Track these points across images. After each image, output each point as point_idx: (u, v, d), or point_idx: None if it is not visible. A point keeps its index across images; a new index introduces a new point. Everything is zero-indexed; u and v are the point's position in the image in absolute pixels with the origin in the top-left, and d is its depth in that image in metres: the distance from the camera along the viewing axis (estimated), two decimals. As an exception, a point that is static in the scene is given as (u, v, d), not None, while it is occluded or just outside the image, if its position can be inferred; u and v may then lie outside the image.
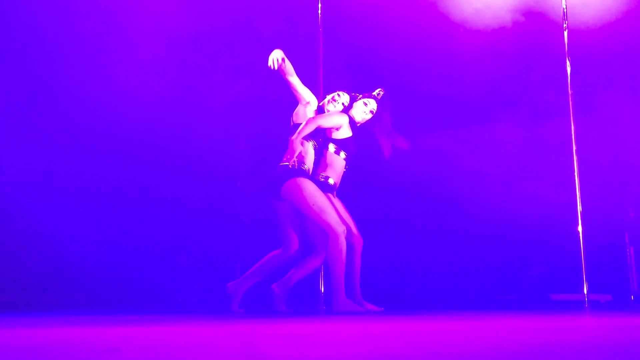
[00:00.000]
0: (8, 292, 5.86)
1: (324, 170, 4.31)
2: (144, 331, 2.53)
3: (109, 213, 6.32)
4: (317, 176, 4.28)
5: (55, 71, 6.06)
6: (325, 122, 4.16)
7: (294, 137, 4.02)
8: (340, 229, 4.03)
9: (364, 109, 4.41)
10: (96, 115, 6.24)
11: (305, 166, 4.15)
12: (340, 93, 4.42)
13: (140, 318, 3.59)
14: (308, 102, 4.31)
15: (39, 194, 6.07)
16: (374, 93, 4.48)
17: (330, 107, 4.36)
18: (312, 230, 4.23)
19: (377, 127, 4.48)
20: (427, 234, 7.19)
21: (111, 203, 6.33)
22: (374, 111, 4.44)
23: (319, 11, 5.49)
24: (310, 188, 4.05)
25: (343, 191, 4.52)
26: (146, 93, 6.41)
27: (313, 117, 4.14)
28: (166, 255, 6.58)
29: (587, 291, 5.24)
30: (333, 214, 4.06)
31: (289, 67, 4.32)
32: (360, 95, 4.48)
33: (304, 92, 4.31)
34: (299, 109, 4.33)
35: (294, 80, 4.31)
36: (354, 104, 4.44)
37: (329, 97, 4.45)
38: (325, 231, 4.05)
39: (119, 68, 6.24)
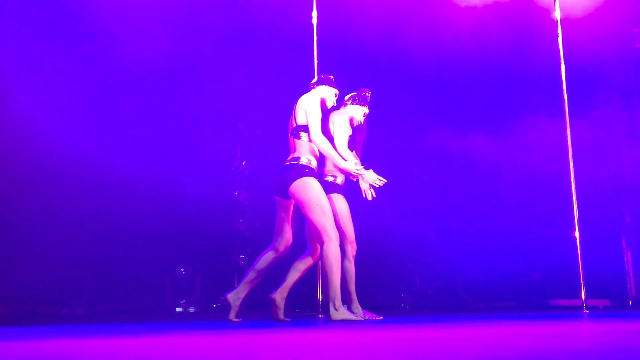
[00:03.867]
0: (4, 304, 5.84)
1: (330, 171, 4.36)
2: (142, 342, 2.52)
3: (106, 221, 6.30)
4: (324, 177, 4.32)
5: (54, 74, 6.06)
6: (346, 140, 4.34)
7: (351, 170, 4.20)
8: (335, 235, 4.05)
9: (362, 119, 4.48)
10: (95, 121, 6.23)
11: (312, 164, 4.17)
12: (337, 92, 4.45)
13: (137, 328, 3.57)
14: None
15: (36, 203, 6.06)
16: (366, 95, 4.51)
17: (329, 102, 4.38)
18: (311, 228, 4.24)
19: (357, 127, 4.53)
20: (425, 240, 7.19)
21: (109, 211, 6.31)
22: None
23: (314, 12, 5.49)
24: (317, 189, 4.11)
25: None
26: (143, 100, 6.42)
27: (340, 147, 4.29)
28: (164, 265, 6.56)
29: (585, 296, 5.24)
30: (331, 218, 4.09)
31: (334, 148, 4.28)
32: (351, 95, 4.51)
33: (318, 123, 4.33)
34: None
35: (316, 125, 4.20)
36: (353, 106, 4.48)
37: (328, 93, 4.39)
38: (320, 235, 4.07)
39: (117, 73, 6.24)
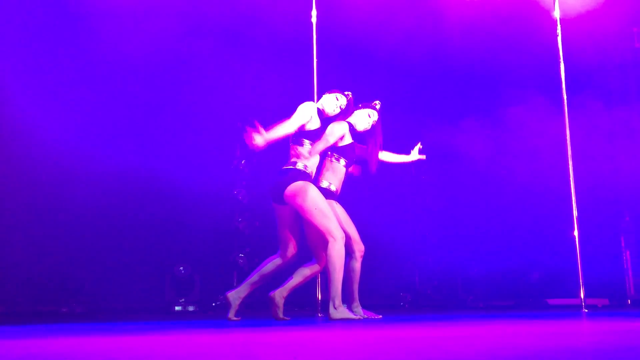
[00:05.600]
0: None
1: (326, 177, 4.32)
2: (141, 340, 2.52)
3: (105, 220, 6.30)
4: (318, 183, 4.27)
5: (54, 73, 6.05)
6: (333, 139, 4.23)
7: (314, 149, 4.08)
8: (340, 235, 4.03)
9: (367, 120, 4.43)
10: (93, 119, 6.23)
11: (309, 169, 4.15)
12: (339, 96, 4.39)
13: (136, 327, 3.57)
14: (309, 120, 4.25)
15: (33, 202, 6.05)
16: (374, 103, 4.47)
17: (328, 109, 4.34)
18: (312, 236, 4.22)
19: (371, 141, 4.48)
20: (424, 239, 7.19)
21: (108, 210, 6.31)
22: (375, 122, 4.46)
23: (314, 11, 5.48)
24: (313, 192, 4.06)
25: (342, 196, 4.52)
26: (141, 99, 6.41)
27: (324, 139, 4.17)
28: (163, 263, 6.56)
29: (584, 296, 5.24)
30: (333, 219, 4.06)
31: (274, 134, 4.02)
32: (360, 105, 4.48)
33: (300, 121, 4.20)
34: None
35: (287, 129, 4.10)
36: (356, 112, 4.43)
37: (327, 100, 4.36)
38: (324, 237, 4.05)
39: (116, 72, 6.23)
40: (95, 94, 6.26)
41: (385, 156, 4.62)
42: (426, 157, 4.72)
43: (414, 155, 4.67)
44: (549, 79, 5.96)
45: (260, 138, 3.91)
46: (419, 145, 4.64)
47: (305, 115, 4.17)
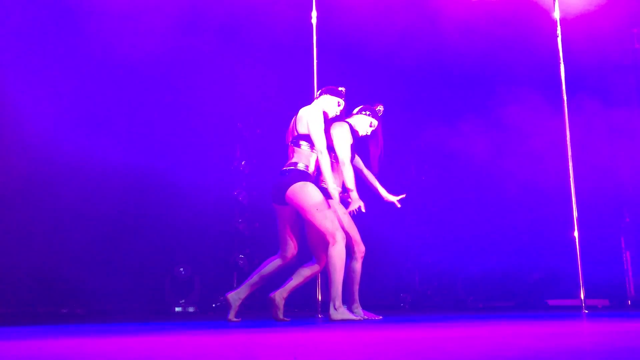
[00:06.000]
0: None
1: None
2: (141, 342, 2.52)
3: (105, 221, 6.30)
4: (319, 183, 4.27)
5: (54, 73, 6.05)
6: (348, 153, 4.25)
7: (352, 191, 4.15)
8: (340, 236, 4.03)
9: (368, 129, 4.43)
10: (93, 119, 6.23)
11: (310, 170, 4.15)
12: (341, 102, 4.39)
13: (136, 328, 3.57)
14: None
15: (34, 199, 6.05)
16: (377, 109, 4.46)
17: (330, 113, 4.34)
18: (313, 237, 4.22)
19: (372, 142, 4.48)
20: (424, 240, 7.19)
21: (108, 211, 6.31)
22: (376, 127, 4.47)
23: (314, 12, 5.49)
24: (314, 192, 4.07)
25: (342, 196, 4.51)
26: (142, 100, 6.41)
27: (345, 164, 4.20)
28: (163, 264, 6.56)
29: (584, 296, 5.24)
30: (335, 220, 4.07)
31: (329, 174, 4.11)
32: (361, 107, 4.47)
33: (322, 130, 4.24)
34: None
35: (326, 155, 4.10)
36: (358, 116, 4.43)
37: (329, 104, 4.35)
38: (325, 238, 4.05)
39: (116, 73, 6.23)
40: (97, 95, 6.26)
41: (370, 177, 4.60)
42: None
43: (392, 198, 4.61)
44: (549, 79, 5.96)
45: (336, 193, 4.09)
46: (403, 196, 4.62)
47: (322, 124, 4.20)
